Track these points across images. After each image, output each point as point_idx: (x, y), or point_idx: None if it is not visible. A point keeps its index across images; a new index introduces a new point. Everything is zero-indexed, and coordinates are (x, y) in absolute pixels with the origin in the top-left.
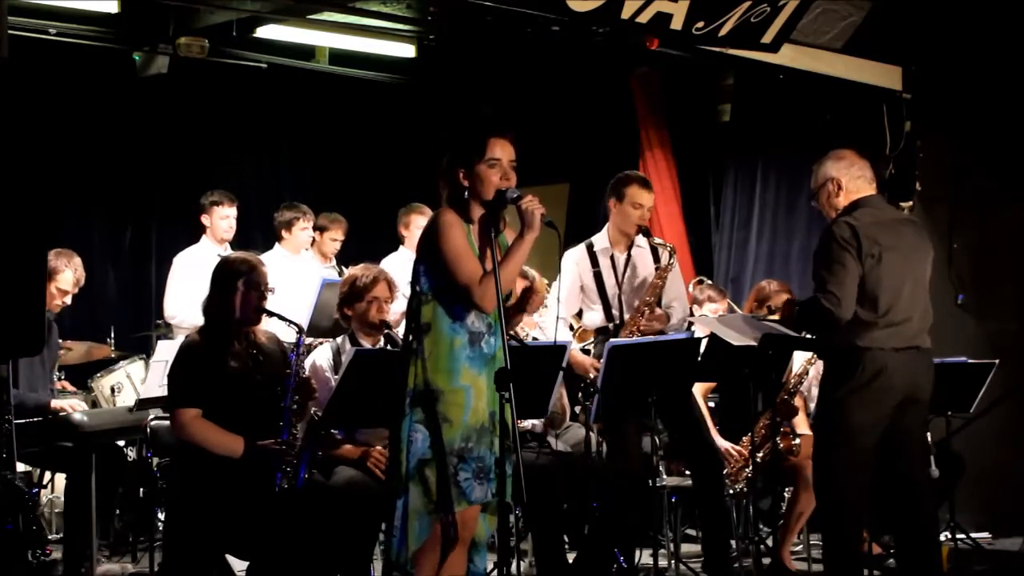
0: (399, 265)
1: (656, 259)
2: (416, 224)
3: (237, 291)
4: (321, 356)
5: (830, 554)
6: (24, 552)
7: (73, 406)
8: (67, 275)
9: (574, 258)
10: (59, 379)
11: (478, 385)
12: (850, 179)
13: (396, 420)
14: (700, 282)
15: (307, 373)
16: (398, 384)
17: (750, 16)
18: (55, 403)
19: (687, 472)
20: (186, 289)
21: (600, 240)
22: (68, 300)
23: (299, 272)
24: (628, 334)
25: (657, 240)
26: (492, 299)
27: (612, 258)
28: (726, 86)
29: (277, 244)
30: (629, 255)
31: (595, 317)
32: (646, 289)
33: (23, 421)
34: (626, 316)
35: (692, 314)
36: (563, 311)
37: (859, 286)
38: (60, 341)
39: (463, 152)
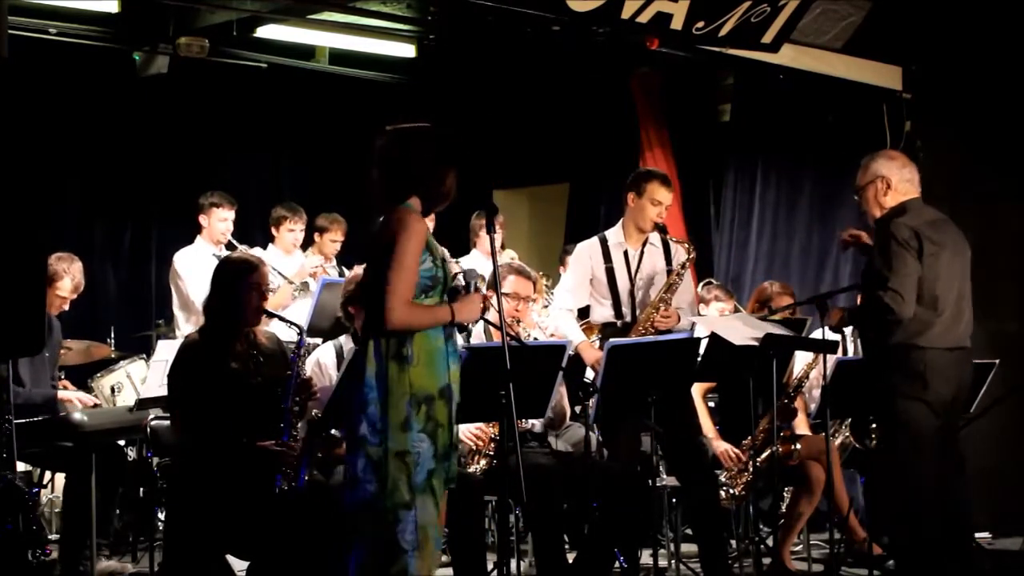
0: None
1: (668, 257)
2: None
3: (238, 291)
4: (325, 355)
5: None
6: (24, 552)
7: (81, 398)
8: (65, 283)
9: (587, 250)
10: (60, 378)
11: (456, 380)
12: (900, 180)
13: (387, 432)
14: (708, 283)
15: (310, 371)
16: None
17: (750, 16)
18: (62, 394)
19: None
20: (202, 284)
21: (614, 234)
22: (66, 306)
23: (292, 271)
24: (643, 330)
25: (673, 238)
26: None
27: (625, 254)
28: (726, 86)
29: (271, 244)
30: (642, 252)
31: (604, 313)
32: (662, 285)
33: (24, 421)
34: (638, 313)
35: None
36: (570, 302)
37: (919, 285)
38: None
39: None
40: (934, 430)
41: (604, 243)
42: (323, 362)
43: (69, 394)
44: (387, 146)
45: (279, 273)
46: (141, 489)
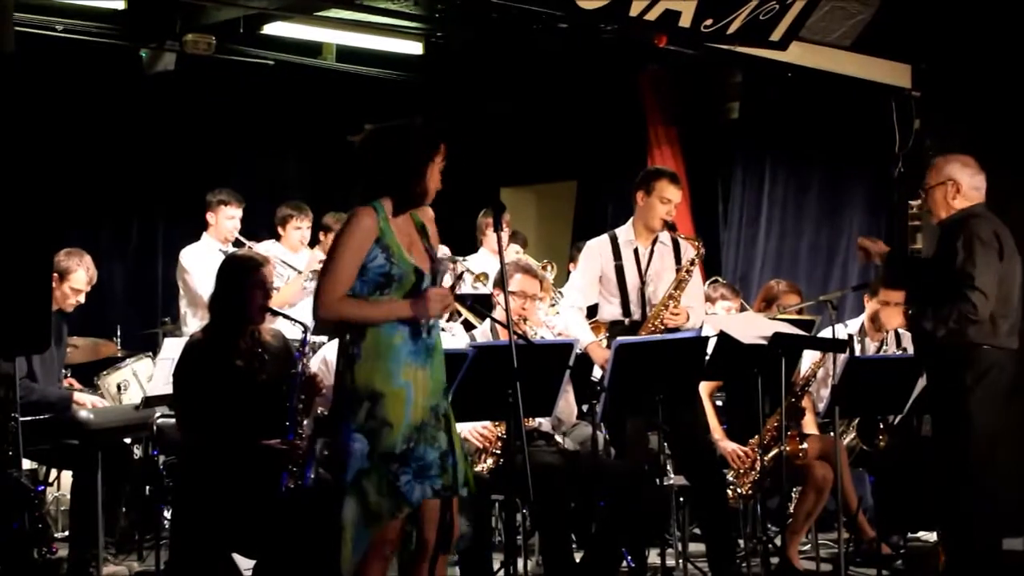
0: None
1: (678, 255)
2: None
3: (242, 289)
4: (332, 352)
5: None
6: (30, 550)
7: (95, 404)
8: (80, 275)
9: (596, 248)
10: (65, 376)
11: (419, 379)
12: (970, 186)
13: (335, 425)
14: (714, 281)
15: (317, 369)
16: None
17: (759, 14)
18: (78, 396)
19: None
20: (209, 280)
21: (624, 232)
22: (81, 299)
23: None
24: (652, 328)
25: (683, 236)
26: (325, 318)
27: (635, 252)
28: (734, 84)
29: (276, 241)
30: (652, 250)
31: (612, 311)
32: (672, 283)
33: (30, 419)
34: (648, 311)
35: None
36: (580, 300)
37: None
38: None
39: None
40: (997, 428)
41: (614, 240)
42: (330, 359)
43: (84, 397)
44: (360, 145)
45: (288, 265)
46: (147, 487)
